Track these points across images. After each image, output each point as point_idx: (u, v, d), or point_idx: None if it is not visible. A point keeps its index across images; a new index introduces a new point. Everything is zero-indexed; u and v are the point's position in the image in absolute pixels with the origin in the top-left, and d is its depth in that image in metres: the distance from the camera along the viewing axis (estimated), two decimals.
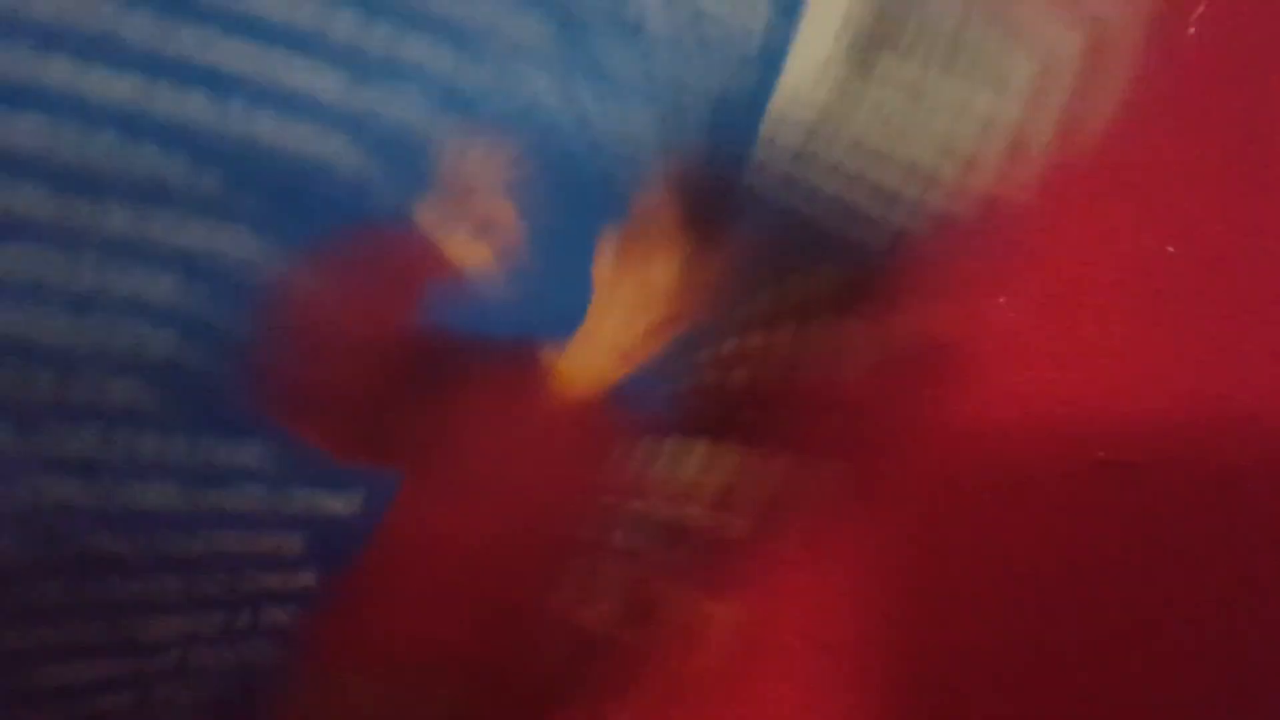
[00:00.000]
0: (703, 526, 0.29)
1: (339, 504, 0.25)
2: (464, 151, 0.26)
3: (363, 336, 0.24)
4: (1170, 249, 0.40)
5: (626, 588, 0.26)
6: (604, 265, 0.28)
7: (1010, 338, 0.38)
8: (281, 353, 0.23)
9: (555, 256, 0.27)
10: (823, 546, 0.32)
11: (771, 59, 0.25)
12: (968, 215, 0.30)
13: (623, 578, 0.25)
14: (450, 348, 0.26)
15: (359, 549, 0.26)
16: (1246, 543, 0.32)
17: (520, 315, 0.26)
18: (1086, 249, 0.40)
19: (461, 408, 0.26)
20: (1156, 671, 0.29)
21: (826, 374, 0.32)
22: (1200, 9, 0.42)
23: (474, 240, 0.26)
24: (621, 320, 0.28)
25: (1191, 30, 0.43)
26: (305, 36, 0.24)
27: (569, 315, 0.28)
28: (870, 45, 0.24)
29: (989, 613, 0.31)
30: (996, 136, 0.31)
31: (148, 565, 0.24)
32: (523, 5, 0.25)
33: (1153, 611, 0.30)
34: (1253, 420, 0.34)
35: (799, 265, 0.27)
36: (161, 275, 0.23)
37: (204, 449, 0.24)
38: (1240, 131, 0.42)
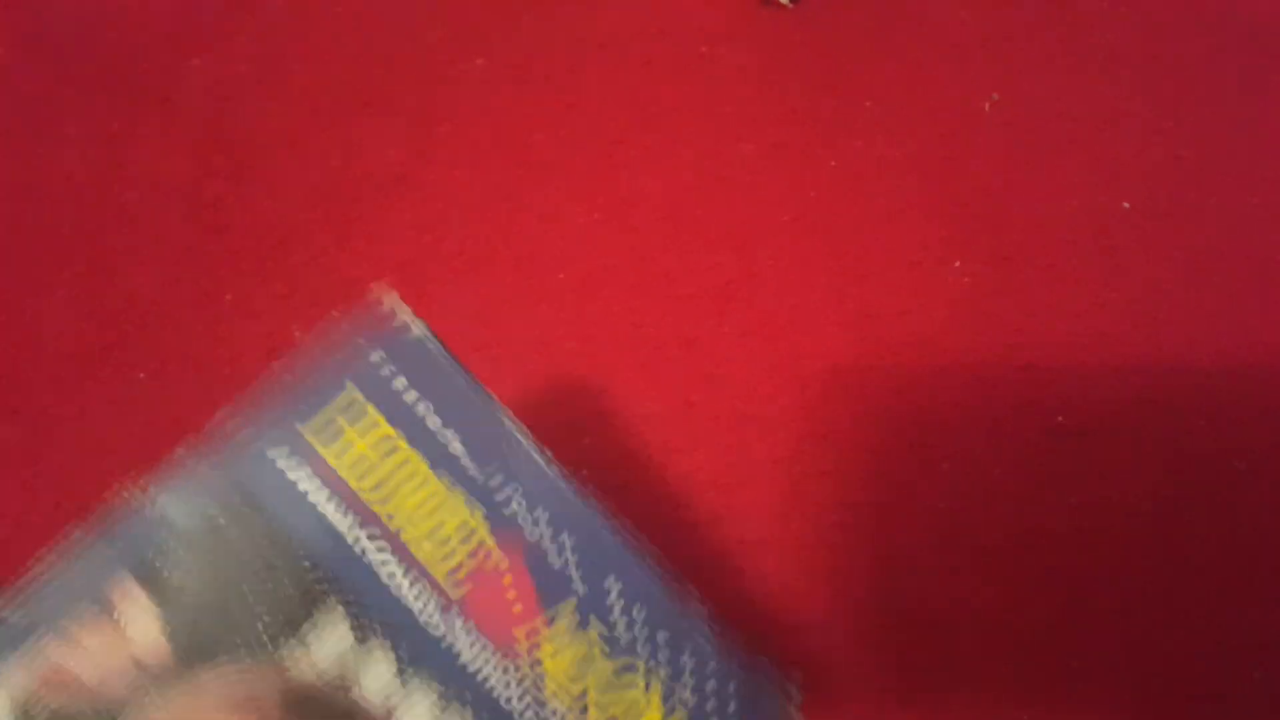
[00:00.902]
0: None
1: None
2: None
3: None
4: (1126, 204, 0.39)
5: None
6: None
7: (965, 301, 0.36)
8: None
9: None
10: (781, 522, 0.31)
11: None
12: None
13: None
14: None
15: None
16: (1201, 503, 0.31)
17: None
18: (1038, 207, 0.39)
19: None
20: (1112, 639, 0.29)
21: None
22: None
23: None
24: None
25: None
26: None
27: None
28: None
29: (946, 582, 0.30)
30: None
31: None
32: None
33: (1111, 577, 0.30)
34: (1209, 380, 0.33)
35: None
36: None
37: None
38: (1197, 81, 0.41)
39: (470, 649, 0.20)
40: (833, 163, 0.42)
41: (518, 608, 0.20)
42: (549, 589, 0.20)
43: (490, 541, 0.20)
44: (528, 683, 0.20)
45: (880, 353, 0.35)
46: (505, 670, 0.20)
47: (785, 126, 0.43)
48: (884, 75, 0.45)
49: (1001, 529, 0.31)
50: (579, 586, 0.20)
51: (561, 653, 0.20)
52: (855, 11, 0.48)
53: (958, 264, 0.38)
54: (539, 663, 0.20)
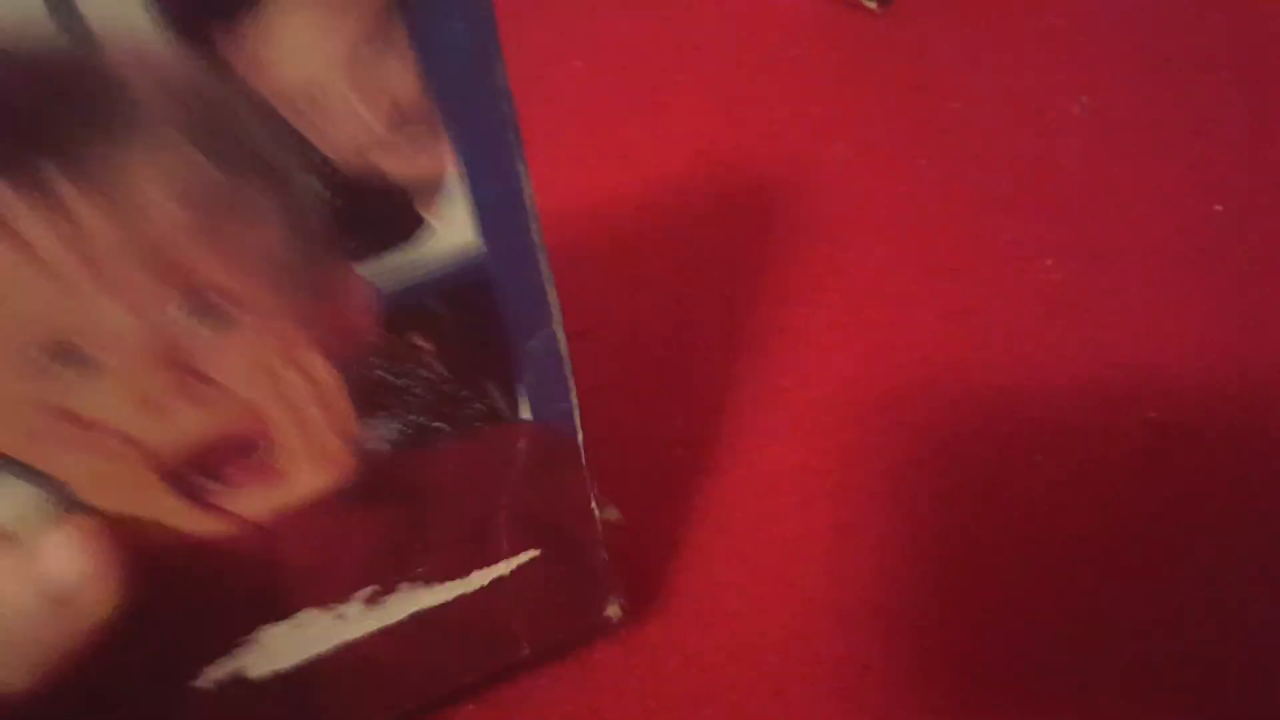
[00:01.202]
0: None
1: None
2: None
3: None
4: (1218, 207, 0.39)
5: None
6: None
7: (1057, 299, 0.37)
8: None
9: None
10: (870, 508, 0.31)
11: None
12: None
13: None
14: None
15: None
16: None
17: None
18: (1129, 208, 0.39)
19: None
20: (1207, 637, 0.29)
21: None
22: None
23: None
24: None
25: None
26: None
27: None
28: None
29: (1033, 577, 0.30)
30: None
31: None
32: None
33: (1204, 574, 0.30)
34: None
35: None
36: None
37: None
38: None
39: None
40: (923, 161, 0.43)
41: None
42: None
43: None
44: None
45: (972, 345, 0.36)
46: None
47: (875, 126, 0.44)
48: (972, 76, 0.46)
49: (1092, 521, 0.31)
50: None
51: None
52: (942, 14, 0.49)
53: (1049, 262, 0.38)
54: None
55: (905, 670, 0.28)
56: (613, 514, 0.29)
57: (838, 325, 0.37)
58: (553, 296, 0.20)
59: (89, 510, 0.18)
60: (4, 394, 0.16)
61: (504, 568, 0.24)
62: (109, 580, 0.18)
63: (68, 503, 0.18)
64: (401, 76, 0.15)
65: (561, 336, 0.21)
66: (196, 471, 0.19)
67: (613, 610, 0.28)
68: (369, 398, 0.19)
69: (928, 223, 0.40)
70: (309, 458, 0.20)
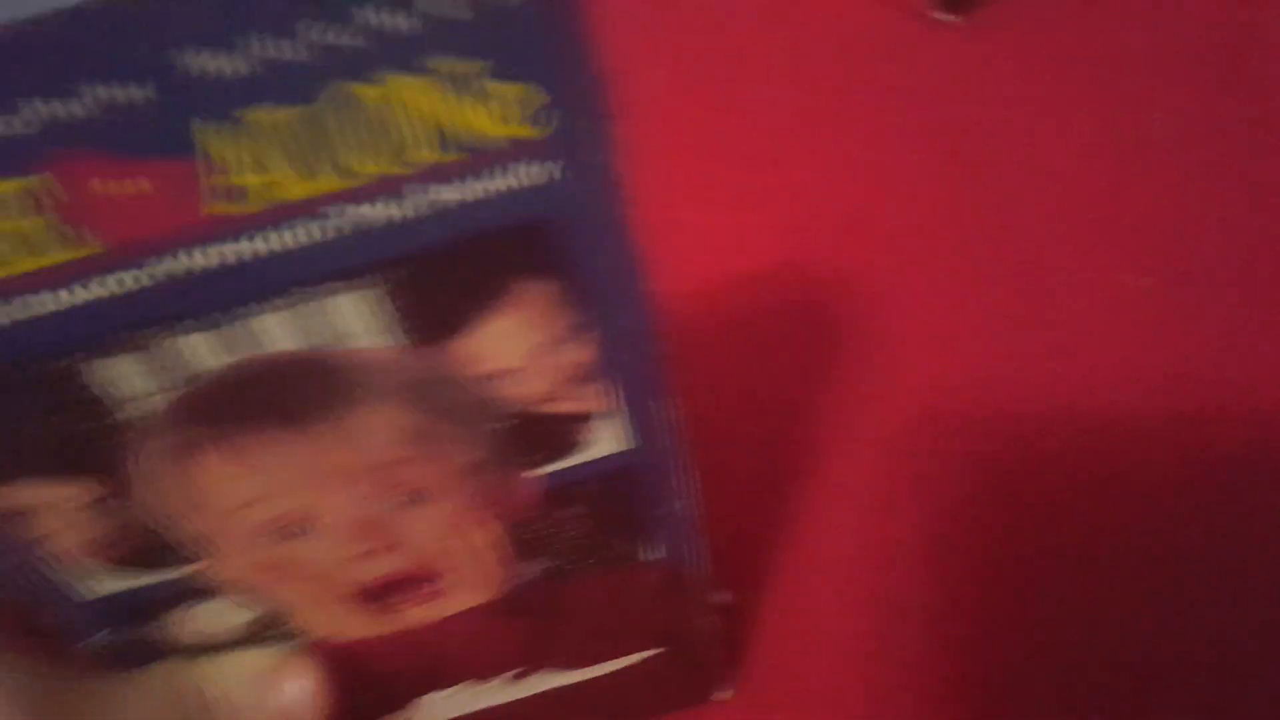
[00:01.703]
0: None
1: None
2: None
3: None
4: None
5: None
6: None
7: (1146, 316, 0.37)
8: None
9: None
10: (958, 519, 0.33)
11: None
12: None
13: None
14: None
15: None
16: None
17: None
18: (1218, 227, 0.38)
19: None
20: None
21: None
22: None
23: None
24: None
25: None
26: None
27: None
28: None
29: (1120, 590, 0.31)
30: None
31: None
32: None
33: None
34: None
35: None
36: None
37: None
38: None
39: None
40: (1008, 174, 0.43)
41: None
42: None
43: None
44: None
45: (1063, 359, 0.37)
46: None
47: (957, 138, 0.44)
48: (1055, 90, 0.45)
49: (1185, 538, 0.32)
50: None
51: None
52: (1023, 28, 0.48)
53: (1138, 279, 0.38)
54: None
55: None
56: (723, 597, 0.33)
57: (930, 337, 0.38)
58: (687, 477, 0.23)
59: (302, 633, 0.22)
60: (255, 551, 0.20)
61: (629, 660, 0.28)
62: (325, 695, 0.23)
63: (289, 629, 0.22)
64: (580, 357, 0.18)
65: (694, 503, 0.24)
66: (383, 595, 0.23)
67: (723, 694, 0.31)
68: (526, 547, 0.23)
69: (1014, 235, 0.41)
70: (468, 588, 0.24)
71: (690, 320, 0.33)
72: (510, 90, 0.13)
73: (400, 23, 0.12)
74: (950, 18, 0.48)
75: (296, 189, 0.14)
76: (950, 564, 0.34)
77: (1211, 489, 0.33)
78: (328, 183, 0.14)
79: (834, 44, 0.49)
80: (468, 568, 0.23)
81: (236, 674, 0.23)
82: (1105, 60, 0.45)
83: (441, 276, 0.16)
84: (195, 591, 0.21)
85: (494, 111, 0.13)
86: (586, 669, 0.28)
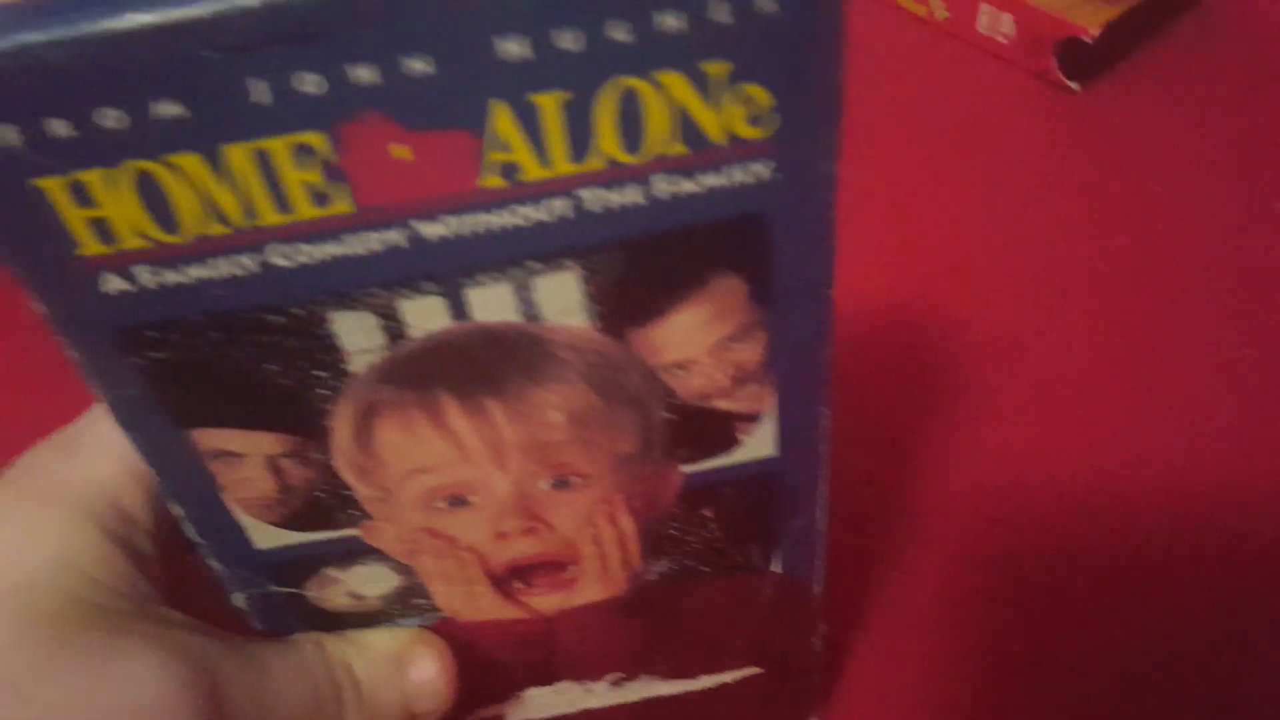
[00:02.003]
0: None
1: None
2: None
3: None
4: None
5: None
6: None
7: (1254, 388, 0.37)
8: None
9: None
10: (1054, 571, 0.33)
11: None
12: None
13: None
14: None
15: None
16: None
17: None
18: None
19: None
20: None
21: None
22: None
23: None
24: None
25: None
26: None
27: None
28: None
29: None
30: None
31: None
32: None
33: None
34: None
35: None
36: None
37: None
38: None
39: None
40: (1122, 239, 0.43)
41: None
42: None
43: None
44: None
45: (1164, 428, 0.37)
46: None
47: (1074, 200, 0.45)
48: (1172, 162, 0.46)
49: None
50: None
51: None
52: (1141, 99, 0.49)
53: (1247, 351, 0.38)
54: None
55: None
56: (821, 629, 0.33)
57: (1038, 388, 0.38)
58: (823, 491, 0.23)
59: (434, 610, 0.23)
60: (407, 521, 0.21)
61: (728, 677, 0.29)
62: (450, 681, 0.24)
63: (423, 604, 0.23)
64: (751, 354, 0.19)
65: (823, 518, 0.24)
66: (515, 578, 0.24)
67: None
68: (655, 545, 0.24)
69: (1125, 297, 0.41)
70: (597, 579, 0.24)
71: None
72: (746, 92, 0.14)
73: (677, 24, 0.13)
74: (1073, 83, 0.49)
75: (559, 169, 0.15)
76: (1046, 624, 0.34)
77: None
78: (584, 166, 0.15)
79: (957, 101, 0.50)
80: (599, 559, 0.24)
81: (370, 653, 0.24)
82: (1222, 138, 0.46)
83: (645, 264, 0.17)
84: (349, 554, 0.22)
85: (728, 111, 0.15)
86: (686, 681, 0.29)
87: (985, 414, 0.39)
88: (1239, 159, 0.45)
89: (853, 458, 0.38)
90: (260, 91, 0.13)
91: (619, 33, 0.13)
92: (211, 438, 0.19)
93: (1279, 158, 0.45)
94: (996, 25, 0.50)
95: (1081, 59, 0.48)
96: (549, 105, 0.14)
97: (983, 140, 0.48)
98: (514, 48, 0.13)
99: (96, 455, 0.21)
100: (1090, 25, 0.47)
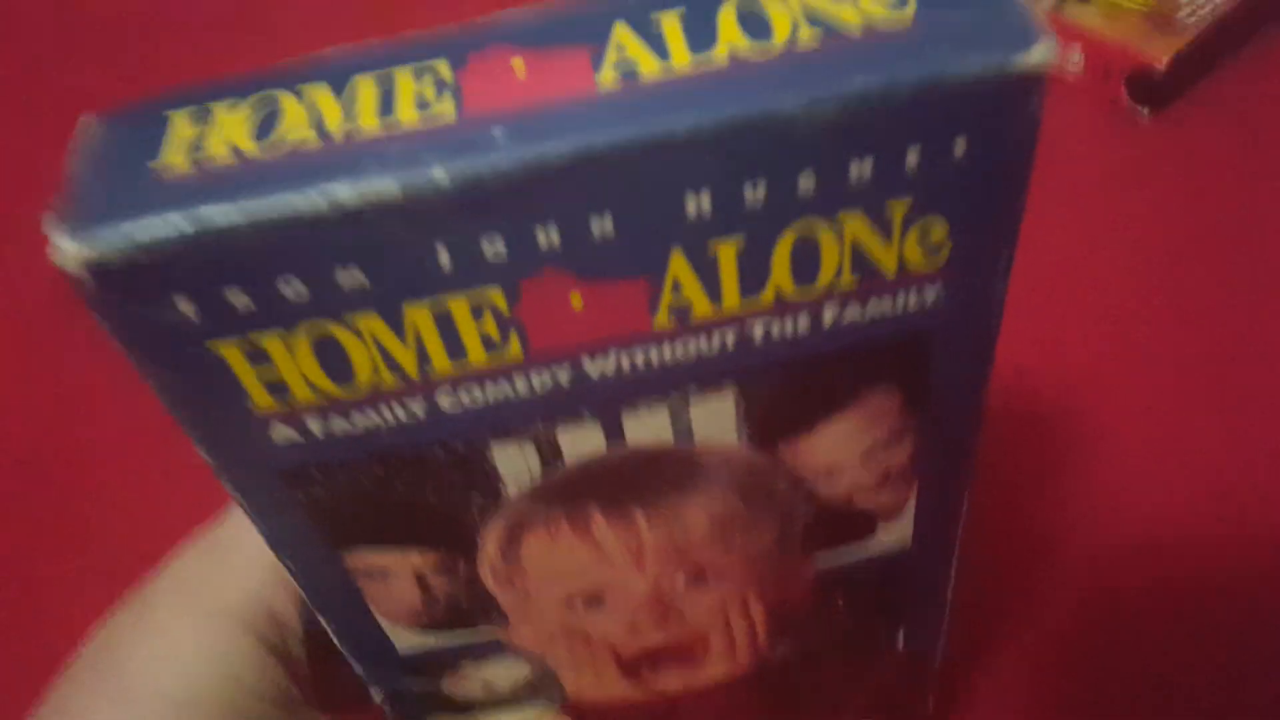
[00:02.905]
0: None
1: None
2: None
3: None
4: None
5: None
6: None
7: None
8: None
9: None
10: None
11: None
12: None
13: None
14: None
15: None
16: None
17: None
18: None
19: None
20: None
21: None
22: None
23: None
24: None
25: None
26: None
27: None
28: None
29: None
30: None
31: None
32: None
33: None
34: None
35: None
36: None
37: None
38: None
39: None
40: (1199, 267, 0.43)
41: None
42: None
43: None
44: None
45: (1259, 452, 0.36)
46: None
47: (1149, 227, 0.45)
48: (1246, 191, 0.45)
49: None
50: None
51: None
52: (1213, 123, 0.48)
53: None
54: None
55: None
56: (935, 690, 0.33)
57: (1126, 416, 0.38)
58: (951, 575, 0.23)
59: (562, 693, 0.23)
60: (544, 620, 0.21)
61: None
62: None
63: (554, 690, 0.23)
64: (899, 457, 0.19)
65: (949, 598, 0.24)
66: (643, 663, 0.24)
67: None
68: (782, 628, 0.23)
69: (1207, 324, 0.40)
70: (723, 661, 0.24)
71: None
72: (924, 224, 0.14)
73: (866, 171, 0.13)
74: (1143, 112, 0.48)
75: (729, 306, 0.15)
76: (1154, 680, 0.33)
77: None
78: (755, 302, 0.15)
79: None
80: (727, 644, 0.24)
81: None
82: None
83: (803, 383, 0.17)
84: (485, 651, 0.22)
85: (904, 244, 0.14)
86: None
87: (1076, 458, 0.38)
88: None
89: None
90: (445, 256, 0.13)
91: (807, 182, 0.13)
92: (363, 557, 0.19)
93: None
94: (1066, 57, 0.49)
95: (1150, 88, 0.47)
96: (727, 251, 0.14)
97: (1056, 169, 0.47)
98: (701, 203, 0.13)
99: (248, 562, 0.22)
100: (1159, 55, 0.46)
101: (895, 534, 0.21)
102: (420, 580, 0.20)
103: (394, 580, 0.19)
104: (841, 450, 0.18)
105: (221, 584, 0.21)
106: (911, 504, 0.20)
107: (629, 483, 0.18)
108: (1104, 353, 0.40)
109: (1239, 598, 0.34)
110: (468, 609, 0.21)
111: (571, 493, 0.18)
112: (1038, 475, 0.38)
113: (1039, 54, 0.12)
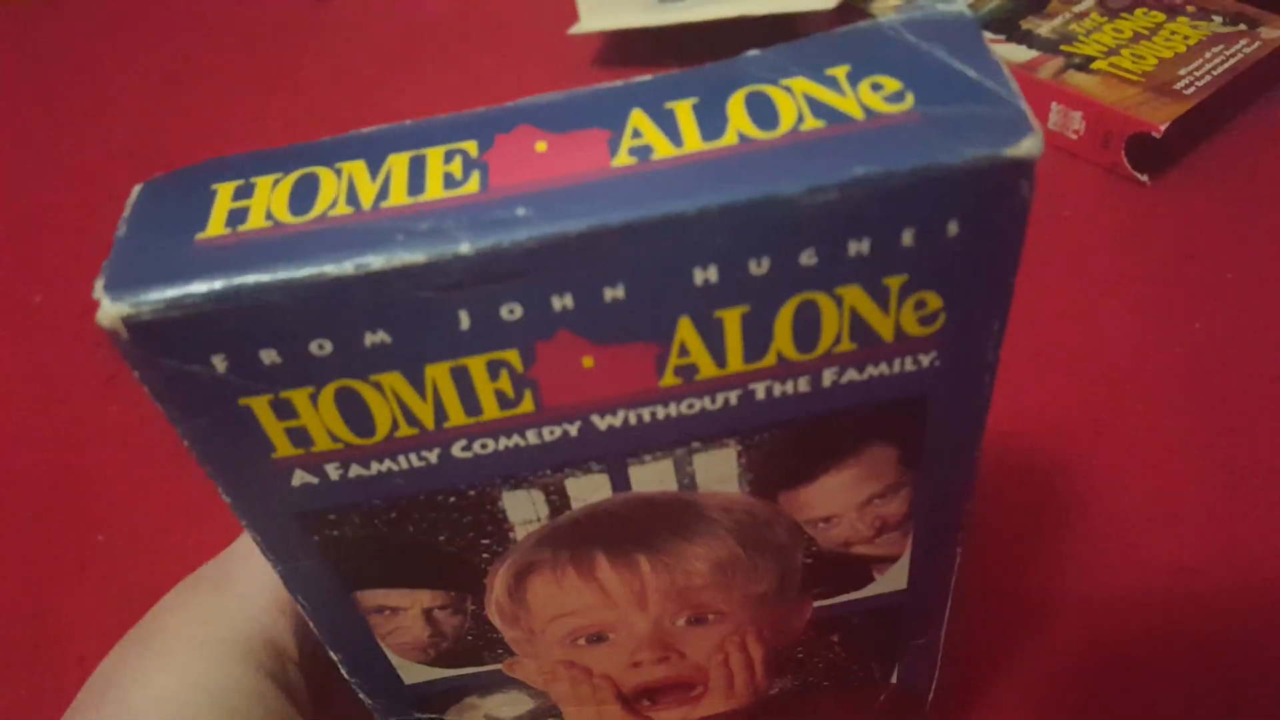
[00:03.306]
0: None
1: None
2: None
3: None
4: None
5: None
6: None
7: None
8: None
9: None
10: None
11: None
12: None
13: None
14: None
15: None
16: None
17: None
18: None
19: None
20: None
21: None
22: None
23: None
24: None
25: None
26: None
27: None
28: None
29: None
30: None
31: None
32: None
33: None
34: None
35: None
36: None
37: None
38: None
39: None
40: (1196, 325, 0.43)
41: None
42: None
43: None
44: None
45: (1255, 505, 0.36)
46: None
47: (1147, 287, 0.45)
48: (1243, 250, 0.46)
49: None
50: None
51: None
52: (1209, 191, 0.49)
53: None
54: None
55: None
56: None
57: (1120, 471, 0.38)
58: (945, 614, 0.24)
59: None
60: (548, 656, 0.22)
61: None
62: None
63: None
64: (895, 509, 0.19)
65: (942, 636, 0.25)
66: (644, 697, 0.24)
67: None
68: (780, 665, 0.24)
69: (1203, 382, 0.41)
70: (722, 697, 0.25)
71: None
72: (920, 297, 0.15)
73: (864, 249, 0.14)
74: (1142, 176, 0.49)
75: (732, 368, 0.15)
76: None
77: None
78: (757, 365, 0.15)
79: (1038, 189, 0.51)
80: (725, 680, 0.24)
81: None
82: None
83: (803, 439, 0.17)
84: (491, 684, 0.23)
85: (900, 314, 0.15)
86: None
87: (1074, 510, 0.39)
88: None
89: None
90: (466, 321, 0.14)
91: (808, 259, 0.14)
92: (375, 596, 0.19)
93: None
94: (1067, 123, 0.50)
95: (1150, 153, 0.49)
96: (732, 318, 0.15)
97: (1057, 231, 0.48)
98: (708, 276, 0.14)
99: (248, 592, 0.22)
100: (1158, 121, 0.47)
101: (891, 579, 0.22)
102: (429, 617, 0.20)
103: (404, 617, 0.20)
104: (839, 501, 0.19)
105: (222, 614, 0.22)
106: (908, 551, 0.21)
107: (633, 528, 0.19)
108: (1100, 411, 0.41)
109: (1231, 650, 0.34)
110: (474, 645, 0.21)
111: (578, 537, 0.19)
112: (1034, 527, 0.39)
113: (1027, 146, 0.13)
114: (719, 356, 0.15)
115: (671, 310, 0.14)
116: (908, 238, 0.14)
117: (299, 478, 0.16)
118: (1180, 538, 0.37)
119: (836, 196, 0.13)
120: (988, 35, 0.54)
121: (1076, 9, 0.54)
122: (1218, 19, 0.53)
